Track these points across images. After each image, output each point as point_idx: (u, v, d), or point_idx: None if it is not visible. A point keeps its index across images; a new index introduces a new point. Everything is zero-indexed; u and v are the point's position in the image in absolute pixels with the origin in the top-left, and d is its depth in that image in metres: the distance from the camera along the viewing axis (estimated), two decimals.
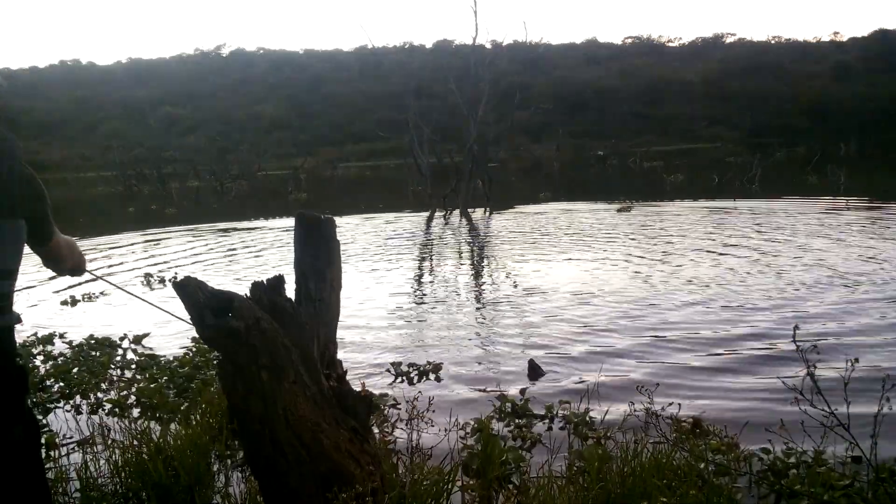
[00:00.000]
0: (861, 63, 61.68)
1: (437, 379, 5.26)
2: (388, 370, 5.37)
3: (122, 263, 11.60)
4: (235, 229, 16.15)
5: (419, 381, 5.23)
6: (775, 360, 5.24)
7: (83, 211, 23.80)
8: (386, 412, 4.46)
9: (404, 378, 5.28)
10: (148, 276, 9.83)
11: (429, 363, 5.43)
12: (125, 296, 9.08)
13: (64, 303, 8.53)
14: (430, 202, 19.17)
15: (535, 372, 5.24)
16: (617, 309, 7.16)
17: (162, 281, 9.56)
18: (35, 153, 48.99)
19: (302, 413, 2.55)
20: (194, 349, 5.78)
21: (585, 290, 8.11)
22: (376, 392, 4.76)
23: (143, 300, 3.18)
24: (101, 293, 8.92)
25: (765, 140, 42.61)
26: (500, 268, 10.32)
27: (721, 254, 10.13)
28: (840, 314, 6.54)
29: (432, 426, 3.95)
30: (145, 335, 6.43)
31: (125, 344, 6.33)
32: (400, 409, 4.55)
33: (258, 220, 17.90)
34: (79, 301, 8.58)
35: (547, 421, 4.32)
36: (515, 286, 8.80)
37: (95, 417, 4.56)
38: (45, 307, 8.37)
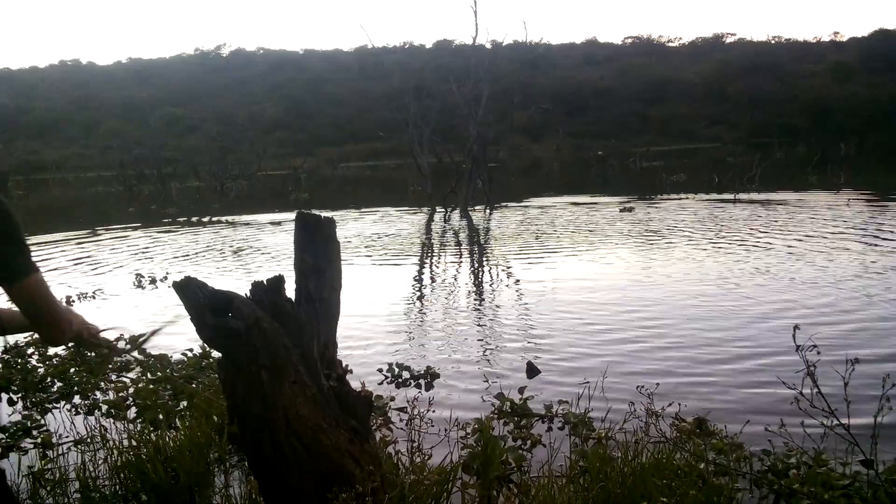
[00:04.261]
0: (861, 63, 61.60)
1: (437, 379, 5.24)
2: (388, 370, 5.35)
3: (118, 263, 11.59)
4: (234, 227, 16.15)
5: (419, 381, 5.22)
6: (776, 359, 5.24)
7: (83, 211, 23.80)
8: (386, 412, 4.46)
9: (404, 378, 5.27)
10: (139, 275, 9.82)
11: (428, 366, 5.42)
12: (123, 296, 9.03)
13: None
14: (430, 202, 19.16)
15: (532, 372, 5.24)
16: (617, 308, 7.17)
17: (153, 281, 9.55)
18: (35, 153, 49.06)
19: (302, 413, 2.55)
20: (197, 350, 5.76)
21: (585, 289, 8.11)
22: (376, 392, 4.76)
23: None
24: (96, 292, 8.91)
25: (765, 140, 42.59)
26: (499, 267, 10.32)
27: (722, 252, 10.13)
28: (841, 312, 6.54)
29: (432, 426, 3.95)
30: (142, 335, 6.40)
31: (121, 344, 6.30)
32: (400, 409, 4.55)
33: (257, 216, 17.90)
34: (74, 300, 8.57)
35: (547, 421, 4.32)
36: (515, 286, 8.81)
37: (94, 418, 4.56)
38: None
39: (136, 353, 5.12)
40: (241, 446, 3.15)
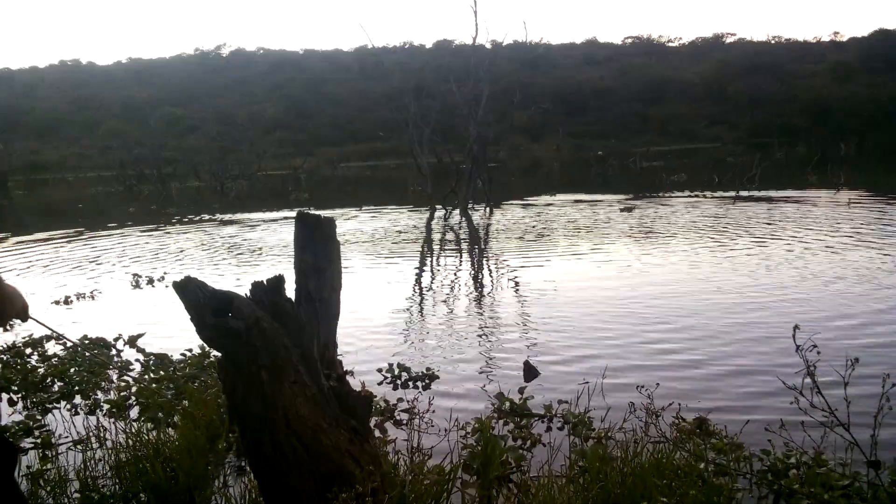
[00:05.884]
0: (861, 63, 61.56)
1: (436, 380, 5.24)
2: (388, 370, 5.35)
3: (117, 263, 11.58)
4: (234, 226, 16.14)
5: (419, 381, 5.21)
6: (775, 359, 5.23)
7: (83, 211, 23.80)
8: (386, 412, 4.46)
9: (404, 379, 5.27)
10: (136, 276, 9.82)
11: (428, 367, 5.42)
12: (121, 295, 9.04)
13: (55, 302, 8.51)
14: (430, 202, 19.16)
15: (530, 373, 5.23)
16: (617, 308, 7.16)
17: (151, 281, 9.54)
18: (35, 153, 49.05)
19: (302, 413, 2.55)
20: (196, 350, 5.76)
21: (585, 288, 8.11)
22: (376, 392, 4.76)
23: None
24: (93, 292, 8.90)
25: (765, 140, 42.58)
26: (499, 268, 10.32)
27: (721, 251, 10.12)
28: (841, 312, 6.54)
29: (432, 426, 3.95)
30: (140, 335, 6.41)
31: (119, 345, 6.31)
32: (400, 409, 4.55)
33: (256, 215, 17.89)
34: (72, 300, 8.56)
35: (546, 421, 4.32)
36: (515, 285, 8.81)
37: (96, 418, 4.57)
38: (37, 307, 8.31)
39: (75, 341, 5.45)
40: (241, 446, 3.15)
